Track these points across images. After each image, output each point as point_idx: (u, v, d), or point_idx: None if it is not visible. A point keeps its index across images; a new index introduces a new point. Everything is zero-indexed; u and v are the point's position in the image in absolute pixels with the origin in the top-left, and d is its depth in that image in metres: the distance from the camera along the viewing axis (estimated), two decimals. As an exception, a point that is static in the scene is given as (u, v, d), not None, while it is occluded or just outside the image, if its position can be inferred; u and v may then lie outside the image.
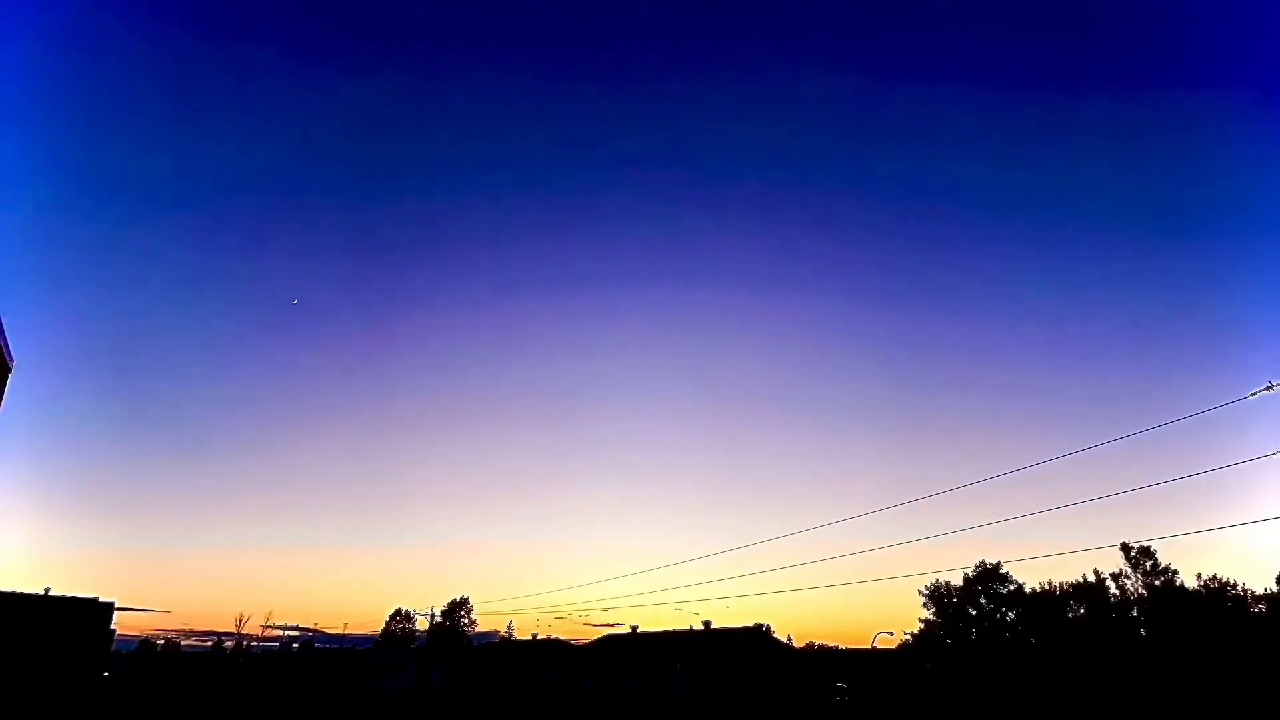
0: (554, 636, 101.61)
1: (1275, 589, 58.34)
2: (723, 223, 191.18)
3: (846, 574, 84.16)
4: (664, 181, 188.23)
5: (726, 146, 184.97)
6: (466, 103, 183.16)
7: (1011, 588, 70.34)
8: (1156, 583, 62.85)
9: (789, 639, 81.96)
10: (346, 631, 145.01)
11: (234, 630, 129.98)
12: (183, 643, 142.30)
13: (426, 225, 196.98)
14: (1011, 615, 70.27)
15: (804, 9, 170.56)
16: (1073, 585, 66.82)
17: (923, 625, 73.85)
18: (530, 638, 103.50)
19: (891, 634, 74.69)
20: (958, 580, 72.12)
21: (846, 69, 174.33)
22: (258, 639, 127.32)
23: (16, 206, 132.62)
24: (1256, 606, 58.37)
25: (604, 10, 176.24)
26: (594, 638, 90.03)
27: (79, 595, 50.00)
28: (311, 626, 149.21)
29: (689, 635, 72.37)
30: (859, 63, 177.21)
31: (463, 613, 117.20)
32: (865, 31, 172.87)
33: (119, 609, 53.16)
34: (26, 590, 49.89)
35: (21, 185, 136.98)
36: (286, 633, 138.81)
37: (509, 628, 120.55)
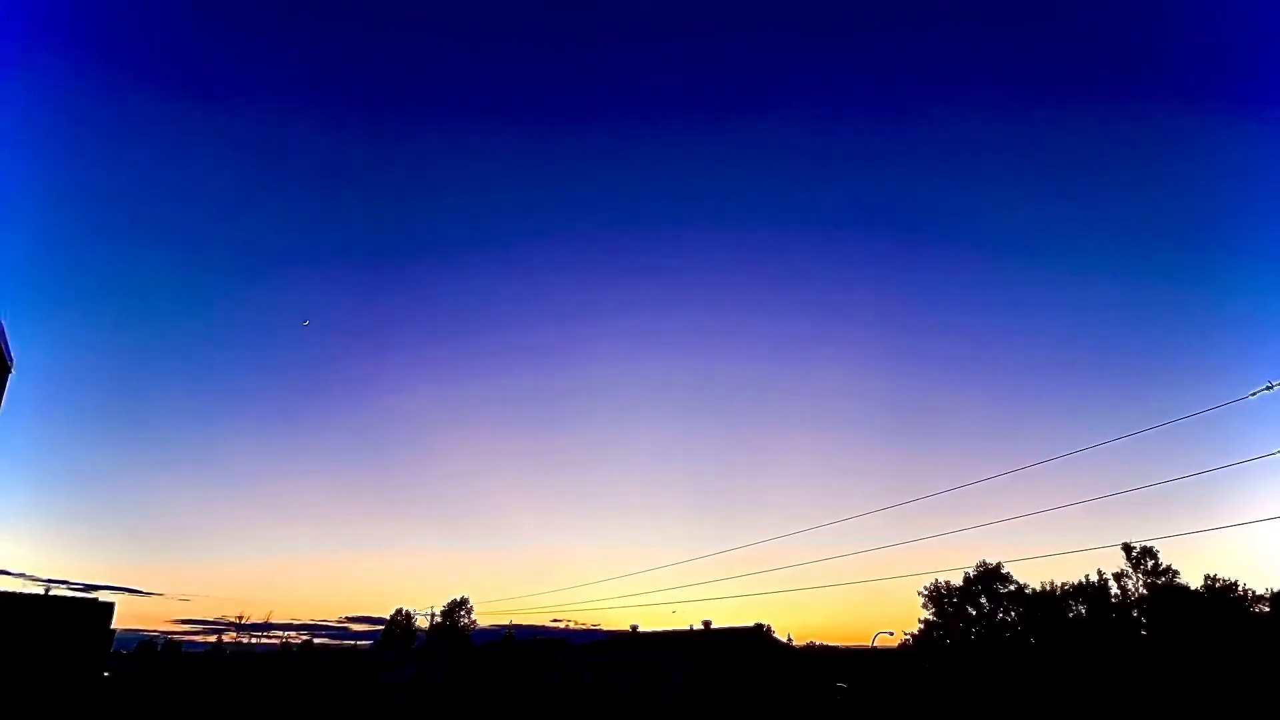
0: (556, 624, 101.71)
1: (1276, 589, 58.35)
2: (723, 229, 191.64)
3: (846, 574, 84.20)
4: (667, 200, 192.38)
5: (723, 167, 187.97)
6: (476, 152, 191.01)
7: (1011, 588, 70.36)
8: (1157, 582, 62.84)
9: (789, 639, 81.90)
10: (347, 628, 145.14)
11: (234, 626, 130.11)
12: (183, 639, 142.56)
13: (429, 245, 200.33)
14: (1012, 615, 70.27)
15: (788, 49, 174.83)
16: (1073, 585, 66.84)
17: (923, 625, 73.90)
18: (531, 637, 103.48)
19: (891, 634, 74.67)
20: (958, 580, 72.19)
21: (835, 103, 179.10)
22: (262, 625, 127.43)
23: (20, 208, 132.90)
24: (1257, 606, 58.38)
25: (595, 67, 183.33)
26: (591, 626, 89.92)
27: (79, 595, 50.16)
28: (311, 624, 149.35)
29: (689, 635, 72.32)
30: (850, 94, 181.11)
31: (463, 613, 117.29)
32: (857, 67, 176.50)
33: (115, 588, 53.21)
34: (26, 590, 50.09)
35: (28, 188, 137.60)
36: (288, 633, 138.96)
37: (510, 626, 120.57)
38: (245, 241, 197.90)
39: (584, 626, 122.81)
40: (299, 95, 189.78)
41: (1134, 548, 63.16)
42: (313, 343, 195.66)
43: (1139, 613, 63.21)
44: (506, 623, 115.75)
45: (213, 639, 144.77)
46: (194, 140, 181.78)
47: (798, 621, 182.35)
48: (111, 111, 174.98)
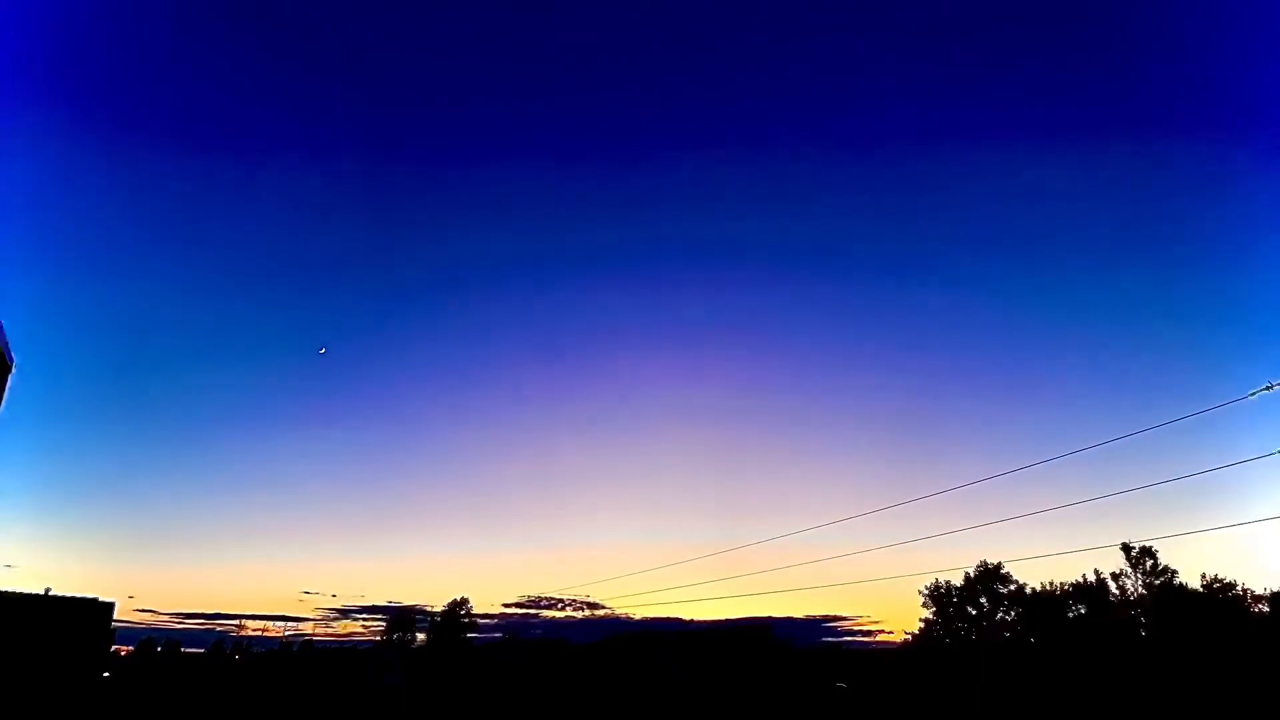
0: (548, 614, 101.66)
1: (1276, 589, 58.29)
2: (723, 240, 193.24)
3: (847, 574, 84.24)
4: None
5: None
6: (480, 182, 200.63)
7: (1011, 588, 70.29)
8: (1157, 583, 62.74)
9: (788, 638, 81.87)
10: (348, 631, 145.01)
11: (234, 626, 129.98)
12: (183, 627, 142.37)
13: (433, 262, 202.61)
14: (1012, 615, 70.20)
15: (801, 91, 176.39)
16: (1073, 585, 66.74)
17: (923, 625, 73.80)
18: (533, 636, 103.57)
19: (891, 634, 74.62)
20: (958, 580, 72.13)
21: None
22: (261, 620, 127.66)
23: (23, 210, 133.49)
24: (1256, 606, 58.31)
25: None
26: (588, 622, 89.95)
27: (79, 595, 49.97)
28: (310, 631, 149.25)
29: (689, 635, 72.38)
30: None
31: (463, 613, 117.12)
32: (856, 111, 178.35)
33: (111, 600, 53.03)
34: (27, 590, 49.93)
35: (36, 191, 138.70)
36: (288, 633, 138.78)
37: (510, 624, 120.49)
38: (262, 257, 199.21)
39: (588, 617, 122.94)
40: (314, 137, 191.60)
41: (1133, 548, 63.08)
42: (317, 354, 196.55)
43: (1138, 613, 63.11)
44: (506, 623, 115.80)
45: (220, 627, 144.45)
46: (209, 166, 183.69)
47: (797, 621, 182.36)
48: (128, 142, 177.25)
